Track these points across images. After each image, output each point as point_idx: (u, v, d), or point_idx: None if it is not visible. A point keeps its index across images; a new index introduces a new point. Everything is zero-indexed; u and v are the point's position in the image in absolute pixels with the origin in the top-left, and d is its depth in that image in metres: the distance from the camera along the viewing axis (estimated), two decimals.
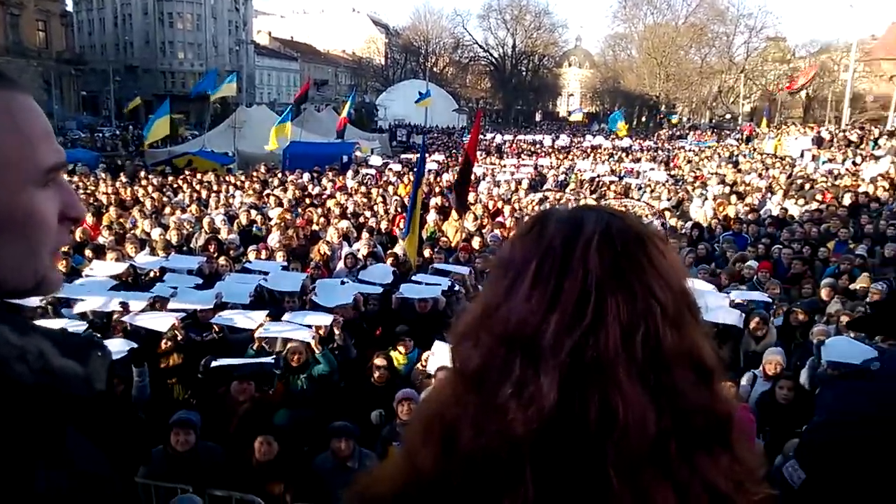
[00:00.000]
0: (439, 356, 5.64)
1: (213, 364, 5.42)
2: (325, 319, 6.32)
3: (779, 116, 57.34)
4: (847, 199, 14.61)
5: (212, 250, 9.88)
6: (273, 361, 5.66)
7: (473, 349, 0.83)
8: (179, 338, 6.08)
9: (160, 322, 6.08)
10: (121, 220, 11.97)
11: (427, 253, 9.77)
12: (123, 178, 17.67)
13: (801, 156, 24.82)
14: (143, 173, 18.77)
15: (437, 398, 0.90)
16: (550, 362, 0.76)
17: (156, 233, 10.87)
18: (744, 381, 6.10)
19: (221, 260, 8.99)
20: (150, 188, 15.95)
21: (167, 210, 13.13)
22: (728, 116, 72.65)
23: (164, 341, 6.03)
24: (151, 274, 8.23)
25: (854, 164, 20.88)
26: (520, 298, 0.80)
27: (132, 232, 11.18)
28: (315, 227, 12.04)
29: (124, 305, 6.32)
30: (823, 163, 22.02)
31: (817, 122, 49.75)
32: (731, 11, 72.29)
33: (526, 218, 0.95)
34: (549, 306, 0.78)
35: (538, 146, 38.21)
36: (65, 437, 0.80)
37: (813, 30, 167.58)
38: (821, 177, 18.91)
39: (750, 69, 72.42)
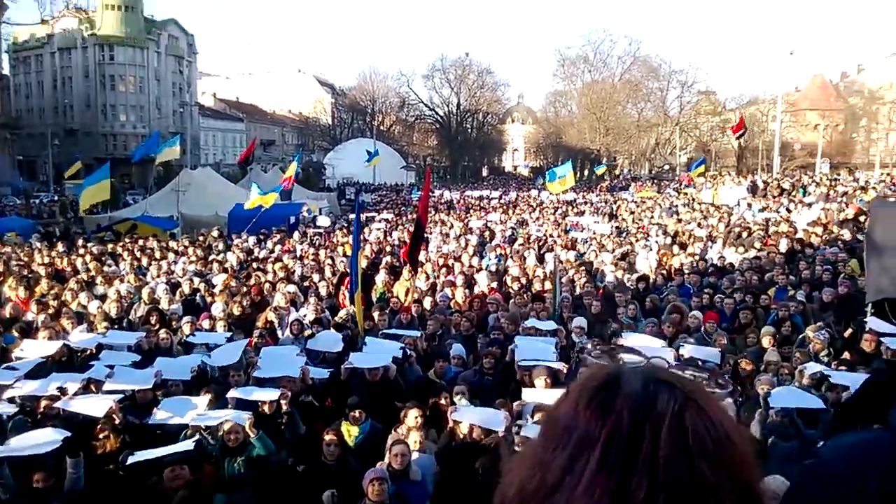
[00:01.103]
0: None
1: (131, 460, 5.05)
2: (271, 395, 6.09)
3: (714, 166, 59.49)
4: (784, 246, 15.08)
5: (153, 322, 9.53)
6: (193, 446, 5.29)
7: None
8: (117, 421, 5.75)
9: (96, 406, 5.74)
10: (56, 292, 11.47)
11: (376, 316, 9.60)
12: (60, 248, 17.05)
13: (738, 204, 25.65)
14: (80, 241, 18.12)
15: None
16: None
17: (94, 305, 10.43)
18: None
19: (162, 333, 8.65)
20: (88, 257, 15.41)
21: (106, 280, 12.67)
22: (666, 167, 75.17)
23: (100, 426, 5.69)
24: (88, 352, 7.85)
25: (788, 210, 21.63)
26: (582, 490, 0.71)
27: (69, 305, 10.77)
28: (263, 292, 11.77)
29: (62, 390, 5.98)
30: (759, 211, 22.75)
31: (750, 171, 51.79)
32: (664, 68, 75.94)
33: (590, 376, 0.84)
34: None
35: (486, 201, 38.67)
36: None
37: (741, 83, 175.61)
38: (756, 225, 19.50)
39: (684, 122, 75.74)
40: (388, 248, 16.66)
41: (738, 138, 46.21)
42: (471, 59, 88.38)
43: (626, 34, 76.81)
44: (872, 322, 7.96)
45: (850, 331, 8.33)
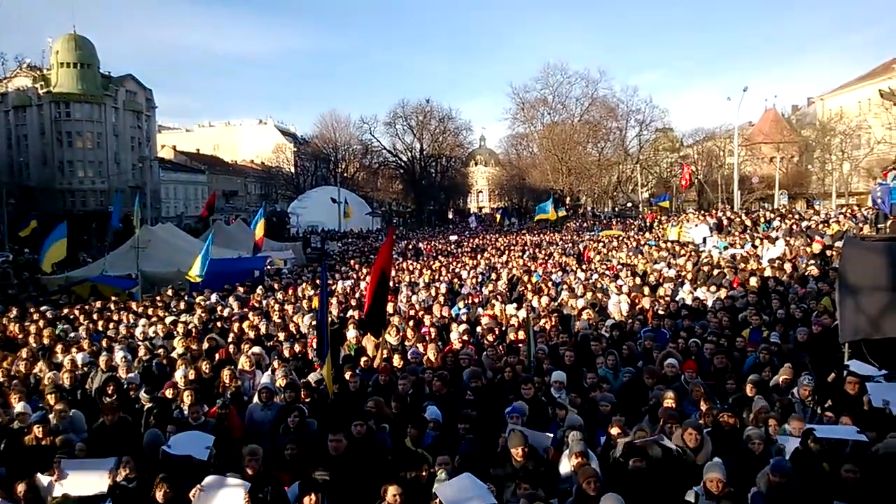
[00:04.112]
0: None
1: None
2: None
3: (675, 201, 60.53)
4: (754, 284, 15.11)
5: (110, 392, 9.02)
6: None
7: None
8: None
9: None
10: (5, 363, 10.88)
11: (347, 376, 9.21)
12: (12, 313, 16.35)
13: (704, 242, 25.88)
14: (32, 307, 17.36)
15: None
16: None
17: (47, 377, 9.87)
18: (691, 497, 5.82)
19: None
20: (41, 322, 14.77)
21: (64, 348, 12.07)
22: (629, 204, 76.27)
23: None
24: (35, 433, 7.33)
25: (753, 246, 21.84)
26: None
27: (20, 376, 10.21)
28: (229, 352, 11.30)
29: None
30: (725, 248, 22.95)
31: (711, 205, 52.74)
32: (622, 108, 77.51)
33: None
34: None
35: (453, 246, 38.59)
36: None
37: (697, 119, 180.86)
38: (725, 262, 19.61)
39: (644, 159, 77.23)
40: (353, 302, 16.26)
41: (687, 189, 47.45)
42: (432, 104, 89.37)
43: (583, 75, 77.96)
44: (854, 365, 7.86)
45: (832, 375, 8.19)
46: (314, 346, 10.85)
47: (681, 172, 49.62)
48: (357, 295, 17.75)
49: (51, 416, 7.98)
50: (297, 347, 11.37)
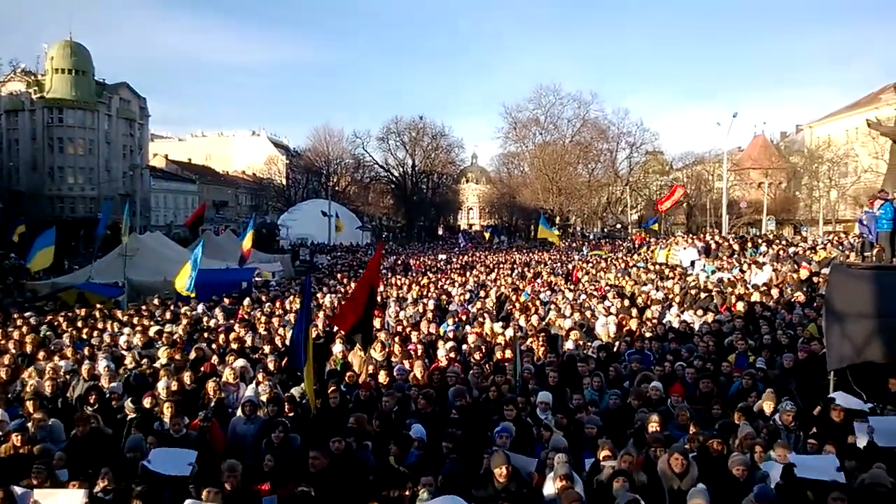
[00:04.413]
0: None
1: None
2: None
3: (664, 223, 60.89)
4: (741, 308, 15.18)
5: (91, 402, 8.90)
6: None
7: None
8: None
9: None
10: None
11: (330, 391, 9.14)
12: None
13: (692, 265, 25.99)
14: (16, 314, 17.18)
15: None
16: None
17: (28, 385, 9.74)
18: None
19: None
20: (24, 328, 14.60)
21: (48, 355, 11.93)
22: (618, 225, 76.67)
23: None
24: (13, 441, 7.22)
25: (741, 271, 21.97)
26: None
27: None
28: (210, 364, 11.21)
29: None
30: (713, 272, 23.06)
31: (700, 228, 53.08)
32: (612, 130, 78.24)
33: None
34: None
35: (442, 262, 38.54)
36: None
37: (687, 143, 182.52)
38: (712, 285, 19.71)
39: (634, 181, 77.74)
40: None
41: (673, 205, 47.62)
42: (425, 121, 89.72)
43: (575, 97, 78.70)
44: (839, 398, 7.86)
45: (818, 408, 8.18)
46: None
47: (668, 192, 49.76)
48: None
49: (29, 424, 7.86)
50: (282, 361, 11.30)
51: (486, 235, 65.97)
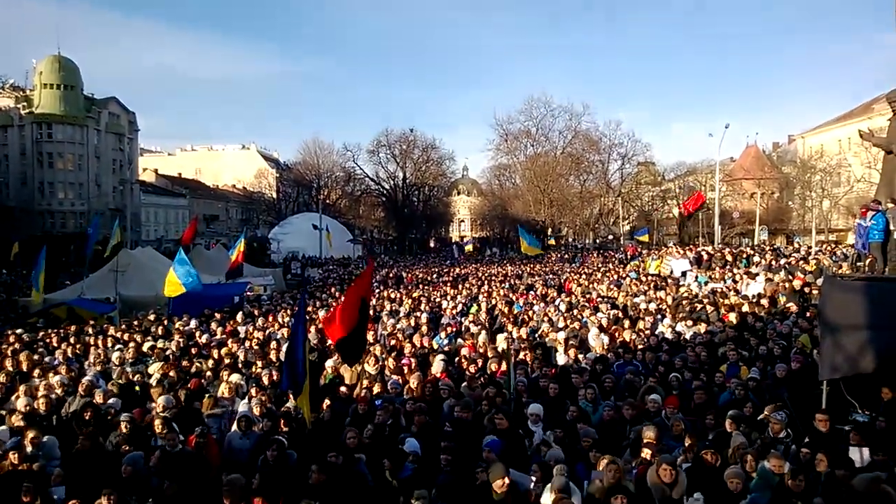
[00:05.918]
0: None
1: None
2: None
3: (656, 234, 61.08)
4: (733, 319, 15.27)
5: (87, 418, 8.87)
6: None
7: None
8: None
9: None
10: None
11: (324, 405, 9.14)
12: None
13: (684, 276, 26.09)
14: (9, 330, 17.10)
15: None
16: None
17: (21, 403, 9.68)
18: None
19: None
20: (17, 345, 14.53)
21: (42, 372, 11.87)
22: (611, 237, 76.83)
23: None
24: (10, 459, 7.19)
25: (734, 282, 22.09)
26: None
27: None
28: (204, 381, 11.17)
29: None
30: (705, 283, 23.16)
31: (692, 239, 53.26)
32: (604, 141, 78.16)
33: None
34: None
35: (435, 275, 38.51)
36: None
37: (679, 154, 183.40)
38: (705, 297, 19.78)
39: (626, 192, 77.88)
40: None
41: (693, 213, 47.52)
42: (416, 134, 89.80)
43: (566, 108, 78.96)
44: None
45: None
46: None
47: (688, 197, 49.43)
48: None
49: (25, 441, 7.83)
50: (275, 375, 11.28)
51: (468, 248, 64.60)
